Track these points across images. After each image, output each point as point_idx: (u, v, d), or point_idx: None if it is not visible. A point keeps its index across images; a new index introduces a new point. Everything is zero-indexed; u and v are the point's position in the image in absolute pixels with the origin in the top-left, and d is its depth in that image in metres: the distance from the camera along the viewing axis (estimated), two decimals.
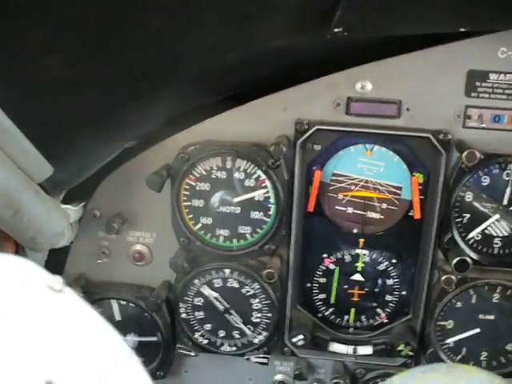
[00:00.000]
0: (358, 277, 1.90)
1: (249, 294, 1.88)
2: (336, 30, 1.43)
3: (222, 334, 1.95)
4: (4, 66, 1.10)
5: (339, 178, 1.81)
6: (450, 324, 1.87)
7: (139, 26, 1.23)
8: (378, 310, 1.96)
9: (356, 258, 1.88)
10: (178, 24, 1.30)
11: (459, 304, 1.85)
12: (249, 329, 1.93)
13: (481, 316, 1.86)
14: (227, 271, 1.86)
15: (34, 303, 0.64)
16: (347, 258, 1.88)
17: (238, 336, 1.95)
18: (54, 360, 0.58)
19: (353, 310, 1.96)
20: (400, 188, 1.80)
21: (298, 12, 1.41)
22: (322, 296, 1.94)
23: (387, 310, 1.95)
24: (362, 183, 1.81)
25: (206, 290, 1.87)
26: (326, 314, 1.97)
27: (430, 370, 1.12)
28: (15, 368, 0.54)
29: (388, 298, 1.94)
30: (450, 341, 1.88)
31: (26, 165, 1.37)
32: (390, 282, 1.91)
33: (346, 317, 1.97)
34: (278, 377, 2.07)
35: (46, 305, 0.64)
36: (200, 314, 1.92)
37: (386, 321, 1.96)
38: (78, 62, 1.26)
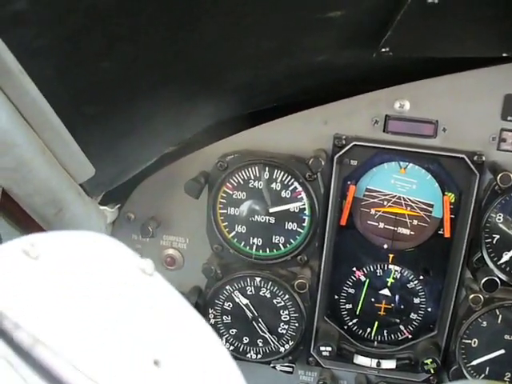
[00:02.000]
0: (386, 292, 1.93)
1: (280, 305, 1.91)
2: (383, 49, 1.47)
3: (246, 340, 1.98)
4: (58, 66, 1.14)
5: (372, 194, 1.84)
6: (474, 343, 1.89)
7: (196, 31, 1.26)
8: (401, 327, 1.98)
9: (388, 273, 1.91)
10: (231, 32, 1.34)
11: (485, 323, 1.87)
12: (274, 339, 1.95)
13: (506, 337, 1.88)
14: (258, 279, 1.88)
15: (132, 285, 0.67)
16: (379, 272, 1.91)
17: (261, 344, 1.97)
18: (157, 340, 0.61)
19: (376, 324, 1.99)
20: (431, 205, 1.83)
21: (348, 29, 1.45)
22: (349, 306, 1.97)
23: (410, 327, 1.98)
24: (394, 199, 1.84)
25: (238, 297, 1.90)
26: (351, 324, 1.99)
27: None
28: (126, 348, 0.57)
29: (412, 316, 1.96)
30: (475, 362, 1.90)
31: (69, 164, 1.40)
32: (416, 300, 1.93)
33: (369, 329, 2.00)
34: None
35: (143, 287, 0.67)
36: (227, 319, 1.95)
37: (410, 336, 1.98)
38: (130, 66, 1.30)
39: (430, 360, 1.86)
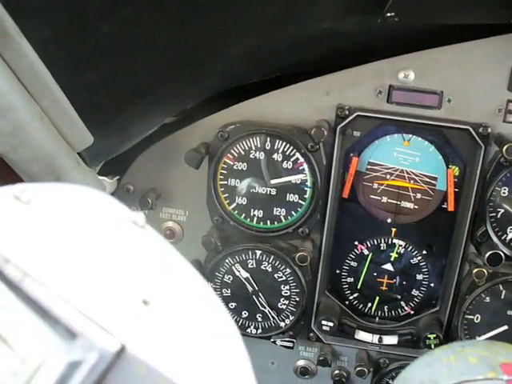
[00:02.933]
0: (389, 266, 1.90)
1: (280, 279, 1.89)
2: (388, 14, 1.44)
3: (245, 314, 1.96)
4: (57, 27, 1.11)
5: (374, 167, 1.82)
6: (477, 318, 1.87)
7: None
8: (402, 303, 1.96)
9: (392, 247, 1.88)
10: None
11: (488, 299, 1.85)
12: (273, 314, 1.93)
13: (509, 312, 1.86)
14: (258, 252, 1.86)
15: (123, 235, 0.65)
16: (382, 246, 1.88)
17: (260, 319, 1.96)
18: (147, 282, 0.59)
19: (377, 299, 1.97)
20: (435, 178, 1.80)
21: None
22: (350, 280, 1.95)
23: (411, 303, 1.96)
24: (397, 172, 1.81)
25: (239, 270, 1.88)
26: (351, 299, 1.97)
27: (468, 344, 1.13)
28: (114, 289, 0.55)
29: (414, 292, 1.94)
30: (478, 339, 1.88)
31: (68, 132, 1.37)
32: (419, 276, 1.91)
33: (369, 304, 1.98)
34: (301, 362, 2.08)
35: (134, 237, 0.65)
36: (227, 292, 1.93)
37: (412, 312, 1.96)
38: (132, 30, 1.27)
39: (434, 335, 1.84)
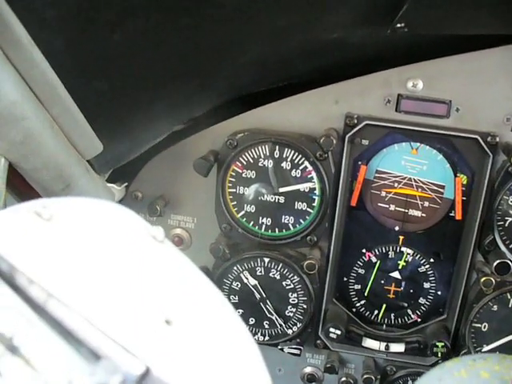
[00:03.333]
0: (396, 274, 1.91)
1: (288, 287, 1.89)
2: (398, 25, 1.44)
3: (252, 321, 1.96)
4: (68, 38, 1.12)
5: (382, 175, 1.82)
6: (484, 327, 1.87)
7: (211, 4, 1.24)
8: (409, 311, 1.97)
9: (399, 255, 1.88)
10: (246, 7, 1.31)
11: (495, 307, 1.85)
12: (281, 321, 1.93)
13: None
14: (266, 260, 1.86)
15: (143, 251, 0.66)
16: (391, 254, 1.89)
17: (267, 326, 1.96)
18: (169, 302, 0.60)
19: (384, 307, 1.97)
20: (443, 187, 1.80)
21: (363, 4, 1.42)
22: (357, 287, 1.95)
23: (418, 312, 1.96)
24: (405, 181, 1.81)
25: (247, 277, 1.88)
26: (359, 306, 1.97)
27: (480, 358, 1.13)
28: (137, 309, 0.56)
29: (421, 300, 1.94)
30: (486, 348, 1.88)
31: (77, 140, 1.38)
32: (426, 285, 1.92)
33: (376, 312, 1.98)
34: (308, 369, 2.08)
35: (154, 253, 0.66)
36: (235, 299, 1.93)
37: (419, 320, 1.96)
38: (142, 40, 1.27)
39: (442, 344, 1.84)
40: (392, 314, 1.98)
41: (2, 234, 0.55)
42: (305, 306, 1.91)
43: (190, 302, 0.68)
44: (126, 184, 1.90)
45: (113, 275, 0.60)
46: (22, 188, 1.38)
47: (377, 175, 1.82)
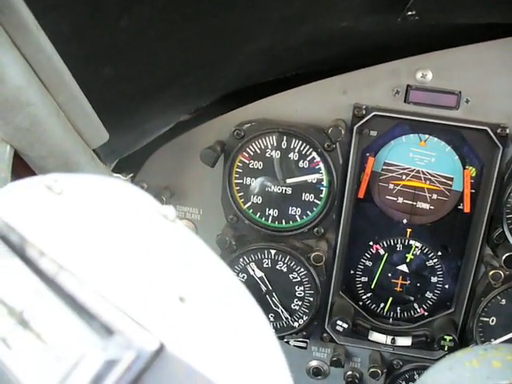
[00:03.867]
0: (404, 268, 1.89)
1: (295, 280, 1.88)
2: (409, 13, 1.42)
3: None
4: (75, 23, 1.10)
5: (390, 168, 1.80)
6: (492, 321, 1.85)
7: None
8: (415, 305, 1.95)
9: (407, 248, 1.87)
10: None
11: (504, 301, 1.83)
12: (286, 314, 1.92)
13: None
14: (273, 252, 1.85)
15: (155, 229, 0.64)
16: (399, 247, 1.87)
17: (272, 319, 1.94)
18: (182, 279, 0.58)
19: (390, 300, 1.95)
20: (451, 179, 1.78)
21: None
22: (364, 279, 1.93)
23: (424, 306, 1.94)
24: (413, 173, 1.79)
25: (253, 269, 1.87)
26: (365, 298, 1.96)
27: (491, 348, 1.11)
28: (150, 285, 0.54)
29: (428, 294, 1.92)
30: (494, 342, 1.86)
31: (83, 128, 1.36)
32: (434, 279, 1.90)
33: (382, 305, 1.96)
34: (313, 363, 2.06)
35: (166, 232, 0.64)
36: None
37: (426, 313, 1.94)
38: (149, 27, 1.26)
39: (450, 337, 1.83)
40: (398, 308, 1.96)
41: (12, 207, 0.53)
42: (311, 299, 1.89)
43: (204, 280, 0.66)
44: (131, 174, 1.89)
45: (125, 250, 0.58)
46: (26, 176, 1.37)
47: (384, 167, 1.80)
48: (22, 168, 1.31)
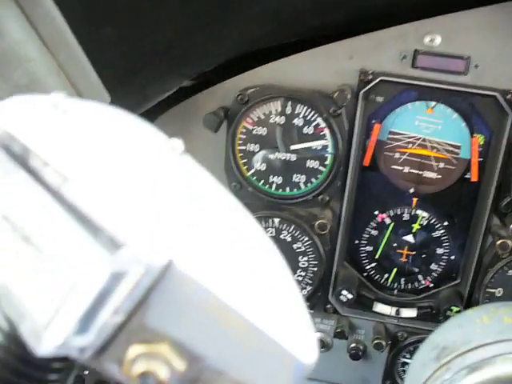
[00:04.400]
0: (410, 238, 1.86)
1: (299, 250, 1.85)
2: None
3: None
4: None
5: (396, 137, 1.77)
6: (499, 292, 1.82)
7: None
8: (419, 277, 1.92)
9: (414, 218, 1.84)
10: None
11: (511, 272, 1.80)
12: None
13: None
14: (277, 220, 1.82)
15: (164, 158, 0.61)
16: (405, 217, 1.84)
17: None
18: (190, 206, 0.55)
19: (394, 271, 1.92)
20: (458, 147, 1.75)
21: None
22: (369, 248, 1.90)
23: (429, 277, 1.91)
24: (419, 141, 1.76)
25: None
26: (369, 268, 1.92)
27: (502, 305, 1.09)
28: (158, 206, 0.51)
29: (433, 266, 1.89)
30: None
31: (84, 90, 1.32)
32: (440, 250, 1.87)
33: (386, 275, 1.93)
34: (317, 335, 2.04)
35: (175, 162, 0.61)
36: None
37: (431, 285, 1.92)
38: None
39: (457, 308, 1.80)
40: (402, 279, 1.93)
41: (14, 117, 0.50)
42: (315, 270, 1.87)
43: (211, 207, 0.64)
44: None
45: (131, 170, 0.55)
46: None
47: (390, 136, 1.77)
48: None
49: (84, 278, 0.46)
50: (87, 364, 0.49)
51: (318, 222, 1.76)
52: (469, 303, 1.87)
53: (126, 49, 1.40)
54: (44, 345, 0.46)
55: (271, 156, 1.76)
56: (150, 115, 1.79)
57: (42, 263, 0.47)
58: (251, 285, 0.52)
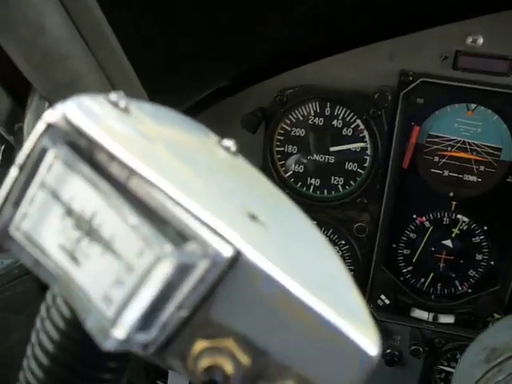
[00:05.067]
0: (448, 242, 1.83)
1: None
2: None
3: None
4: None
5: (434, 140, 1.74)
6: None
7: None
8: (456, 282, 1.89)
9: (454, 223, 1.80)
10: None
11: None
12: None
13: None
14: (314, 223, 1.80)
15: (220, 155, 0.62)
16: (445, 221, 1.81)
17: None
18: (251, 201, 0.55)
19: (431, 275, 1.89)
20: (499, 149, 1.72)
21: None
22: (406, 252, 1.87)
23: (466, 283, 1.88)
24: (458, 144, 1.73)
25: None
26: (405, 272, 1.89)
27: None
28: (222, 199, 0.51)
29: (471, 272, 1.86)
30: None
31: (123, 88, 1.31)
32: (479, 256, 1.83)
33: (423, 280, 1.90)
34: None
35: (230, 160, 0.62)
36: None
37: (470, 290, 1.88)
38: None
39: (499, 316, 1.76)
40: (439, 284, 1.90)
41: (78, 114, 0.49)
42: (352, 274, 1.84)
43: (271, 203, 0.63)
44: None
45: (193, 164, 0.55)
46: None
47: (429, 139, 1.74)
48: None
49: (150, 272, 0.45)
50: (150, 360, 0.49)
51: (356, 225, 1.74)
52: (509, 309, 1.83)
53: (165, 47, 1.40)
54: (110, 339, 0.46)
55: (309, 158, 1.75)
56: (188, 115, 1.79)
57: (108, 258, 0.47)
58: (317, 277, 0.51)
